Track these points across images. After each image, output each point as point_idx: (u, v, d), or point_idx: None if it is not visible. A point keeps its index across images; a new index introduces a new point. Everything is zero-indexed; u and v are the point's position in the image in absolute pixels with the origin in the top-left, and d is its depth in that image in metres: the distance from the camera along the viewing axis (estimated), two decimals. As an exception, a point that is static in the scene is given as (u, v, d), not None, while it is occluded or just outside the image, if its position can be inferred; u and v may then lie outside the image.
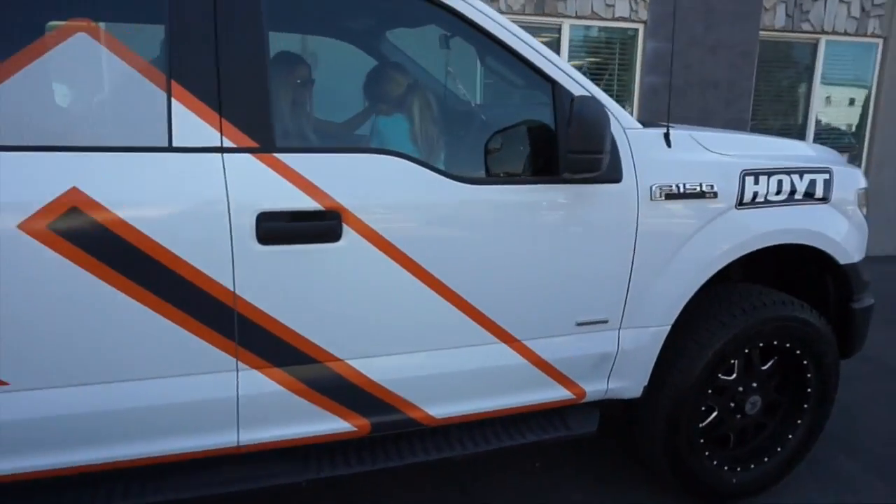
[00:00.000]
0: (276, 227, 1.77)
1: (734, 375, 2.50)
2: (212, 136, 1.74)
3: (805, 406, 2.62)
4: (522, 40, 2.03)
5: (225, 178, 1.74)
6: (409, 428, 2.08)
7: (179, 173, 1.72)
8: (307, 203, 1.78)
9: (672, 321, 2.27)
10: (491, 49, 2.09)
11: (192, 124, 1.72)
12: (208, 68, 1.73)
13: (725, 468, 2.55)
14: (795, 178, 2.39)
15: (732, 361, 2.45)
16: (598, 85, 2.09)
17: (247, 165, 1.76)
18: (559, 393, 2.22)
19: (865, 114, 6.76)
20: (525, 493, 2.64)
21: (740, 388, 2.51)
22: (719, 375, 2.44)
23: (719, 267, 2.29)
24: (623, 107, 2.43)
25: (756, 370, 2.52)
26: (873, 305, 2.72)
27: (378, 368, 1.97)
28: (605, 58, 5.97)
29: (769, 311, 2.40)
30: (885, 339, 4.10)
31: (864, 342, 2.76)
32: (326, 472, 2.01)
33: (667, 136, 2.20)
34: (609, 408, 2.39)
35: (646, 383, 2.34)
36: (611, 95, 2.37)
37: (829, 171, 2.48)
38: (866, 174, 4.31)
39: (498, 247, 2.00)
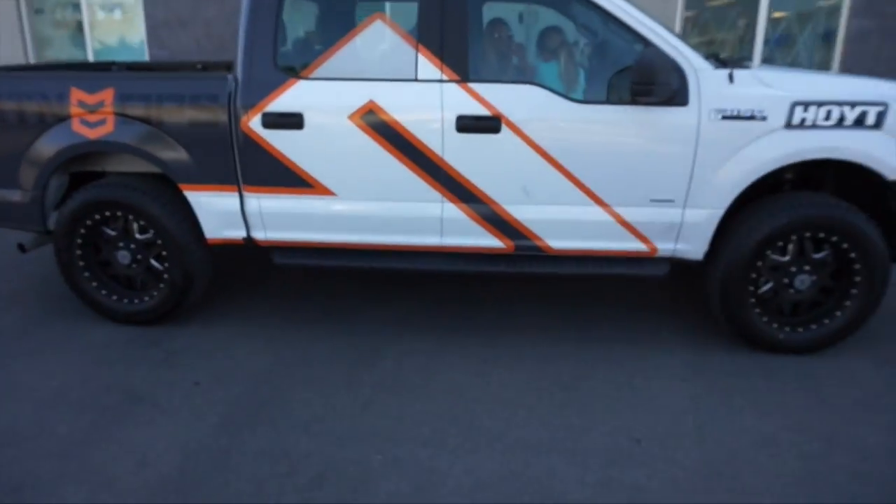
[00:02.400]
0: (466, 123, 3.28)
1: (787, 257, 3.41)
2: (437, 73, 3.29)
3: (853, 292, 3.41)
4: (630, 13, 3.21)
5: (441, 95, 3.28)
6: (538, 253, 3.50)
7: (420, 93, 3.31)
8: (482, 111, 3.26)
9: (725, 206, 3.29)
10: (611, 20, 3.29)
11: (427, 67, 3.29)
12: (437, 36, 3.26)
13: (775, 326, 3.50)
14: (847, 108, 3.17)
15: (784, 245, 3.36)
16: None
17: (453, 89, 3.28)
18: (637, 245, 3.43)
19: None
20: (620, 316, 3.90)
21: (793, 268, 3.41)
22: (771, 255, 3.38)
23: (765, 171, 3.22)
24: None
25: (808, 255, 3.39)
26: (933, 219, 3.35)
27: (521, 212, 3.40)
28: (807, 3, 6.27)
29: (814, 209, 3.27)
30: None
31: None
32: (491, 268, 3.53)
33: (730, 75, 3.19)
34: (680, 263, 3.52)
35: (706, 249, 3.41)
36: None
37: (884, 104, 3.18)
38: None
39: (596, 143, 3.27)
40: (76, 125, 3.53)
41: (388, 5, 3.71)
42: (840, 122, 3.19)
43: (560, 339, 3.70)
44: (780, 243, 3.36)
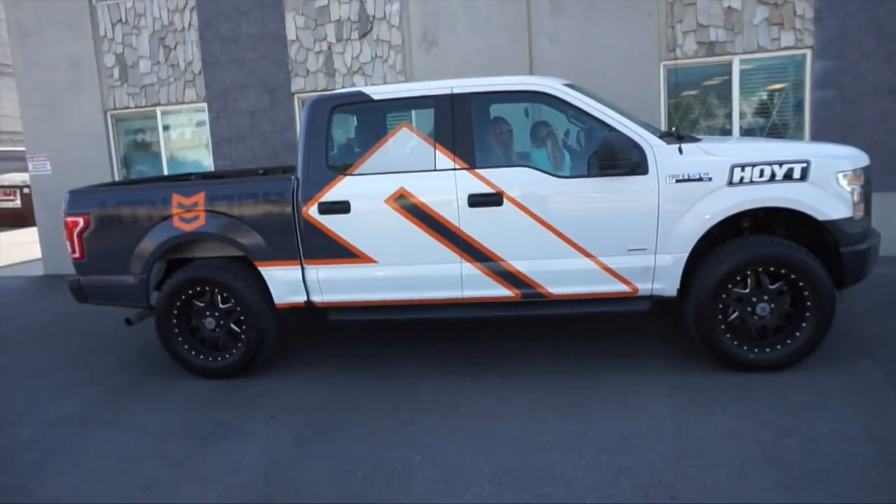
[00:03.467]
0: (476, 200, 4.21)
1: (747, 290, 4.15)
2: (450, 164, 4.26)
3: (807, 315, 4.10)
4: (595, 108, 4.16)
5: (455, 180, 4.24)
6: (541, 298, 4.31)
7: (440, 180, 4.28)
8: (487, 189, 4.19)
9: (688, 251, 4.08)
10: (579, 113, 4.24)
11: (442, 159, 4.27)
12: (449, 135, 4.26)
13: (745, 348, 4.18)
14: (776, 167, 3.99)
15: (741, 279, 4.10)
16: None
17: (464, 175, 4.24)
18: (621, 287, 4.22)
19: None
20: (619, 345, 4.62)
21: (753, 299, 4.14)
22: (733, 289, 4.13)
23: (717, 220, 4.01)
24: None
25: (765, 287, 4.12)
26: (865, 251, 4.07)
27: (525, 266, 4.25)
28: (777, 80, 7.22)
29: (762, 248, 4.02)
30: None
31: (859, 278, 4.12)
32: (503, 313, 4.35)
33: (680, 148, 4.08)
34: (660, 300, 4.28)
35: (678, 286, 4.18)
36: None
37: (807, 162, 4.00)
38: None
39: (579, 208, 4.14)
40: (176, 221, 4.58)
41: (412, 113, 4.76)
42: (772, 178, 4.01)
43: (566, 371, 4.44)
44: (739, 278, 4.11)
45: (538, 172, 4.20)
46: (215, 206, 4.54)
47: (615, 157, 3.93)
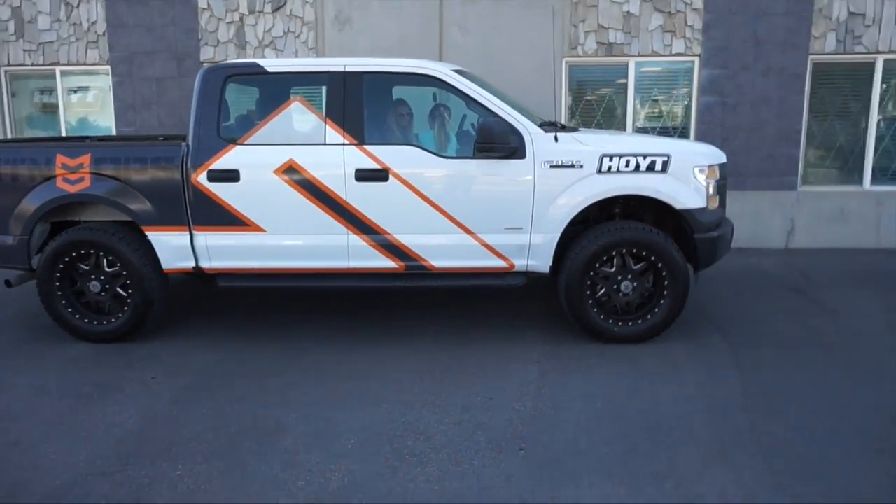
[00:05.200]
0: (362, 174, 4.36)
1: (613, 269, 4.51)
2: (340, 139, 4.40)
3: (665, 293, 4.51)
4: (479, 94, 4.40)
5: (344, 155, 4.38)
6: (423, 270, 4.53)
7: (328, 153, 4.40)
8: (374, 165, 4.36)
9: (560, 231, 4.40)
10: (466, 98, 4.47)
11: (333, 135, 4.40)
12: (340, 111, 4.39)
13: (610, 321, 4.56)
14: (640, 158, 4.37)
15: (608, 259, 4.46)
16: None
17: (352, 151, 4.38)
18: (498, 263, 4.49)
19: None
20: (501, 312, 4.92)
21: (619, 277, 4.51)
22: (601, 268, 4.48)
23: (586, 205, 4.36)
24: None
25: (629, 267, 4.49)
26: (716, 238, 4.51)
27: (408, 239, 4.45)
28: (668, 83, 7.75)
29: (625, 232, 4.40)
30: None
31: (710, 262, 4.57)
32: (388, 283, 4.54)
33: (556, 136, 4.38)
34: (535, 277, 4.58)
35: (551, 264, 4.50)
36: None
37: (668, 156, 4.39)
38: None
39: (462, 188, 4.38)
40: (59, 182, 4.50)
41: (306, 89, 4.85)
42: (637, 168, 4.38)
43: (447, 339, 4.69)
44: (606, 258, 4.46)
45: (424, 152, 4.41)
46: (102, 169, 4.48)
47: (493, 141, 4.18)
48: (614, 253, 4.46)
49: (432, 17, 7.92)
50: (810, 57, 7.50)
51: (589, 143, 4.42)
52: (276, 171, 4.40)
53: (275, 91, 4.88)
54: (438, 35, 7.94)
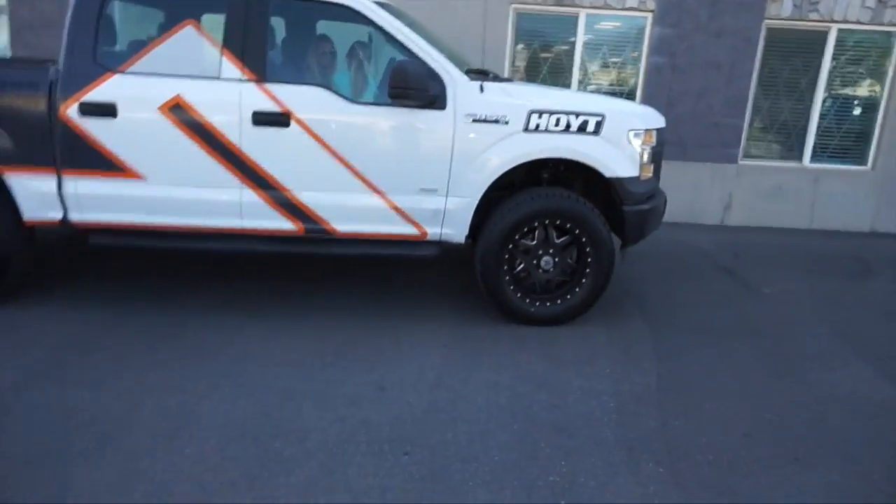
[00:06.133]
0: (260, 118, 3.77)
1: (534, 242, 4.11)
2: (237, 74, 3.78)
3: (588, 271, 4.14)
4: (399, 31, 3.83)
5: (240, 94, 3.77)
6: (325, 235, 4.02)
7: (223, 90, 3.78)
8: (275, 107, 3.77)
9: (478, 196, 3.94)
10: (384, 34, 3.90)
11: (230, 68, 3.78)
12: (239, 41, 3.76)
13: (527, 301, 4.18)
14: (572, 117, 3.90)
15: (530, 231, 4.03)
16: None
17: (251, 89, 3.78)
18: (410, 229, 4.02)
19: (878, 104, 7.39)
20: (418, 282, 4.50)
21: (539, 251, 4.11)
22: (521, 240, 4.06)
23: (509, 167, 3.89)
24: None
25: (551, 241, 4.10)
26: (647, 212, 4.14)
27: (309, 197, 3.92)
28: (618, 40, 7.27)
29: (548, 201, 3.97)
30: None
31: (639, 237, 4.20)
32: (283, 248, 4.02)
33: (482, 86, 3.87)
34: (451, 248, 4.14)
35: (466, 234, 4.06)
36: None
37: (602, 116, 3.94)
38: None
39: (372, 140, 3.85)
40: None
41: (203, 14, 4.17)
42: (567, 128, 3.92)
43: (347, 316, 4.23)
44: (527, 230, 4.05)
45: (333, 95, 3.84)
46: (-54, 93, 3.76)
47: (408, 86, 3.64)
48: (536, 224, 4.04)
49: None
50: (765, 21, 7.12)
51: (517, 97, 3.94)
52: (161, 108, 3.76)
53: (168, 13, 4.17)
54: (375, -33, 7.19)
